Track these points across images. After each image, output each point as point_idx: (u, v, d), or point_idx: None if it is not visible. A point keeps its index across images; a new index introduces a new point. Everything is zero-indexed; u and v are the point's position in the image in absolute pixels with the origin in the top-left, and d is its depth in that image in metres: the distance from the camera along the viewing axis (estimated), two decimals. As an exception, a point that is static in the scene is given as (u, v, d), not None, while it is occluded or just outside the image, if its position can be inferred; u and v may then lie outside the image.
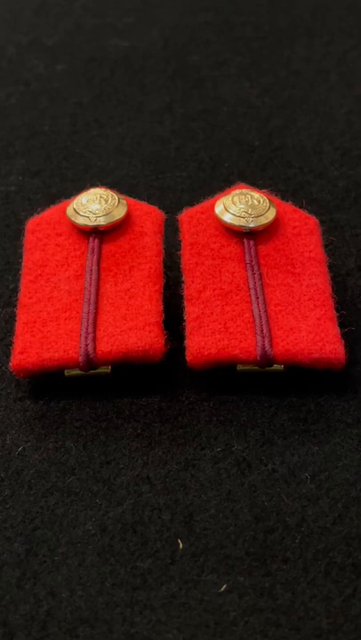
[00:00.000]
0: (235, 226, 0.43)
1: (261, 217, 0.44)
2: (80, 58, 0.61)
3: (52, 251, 0.44)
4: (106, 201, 0.44)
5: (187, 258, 0.43)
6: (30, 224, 0.45)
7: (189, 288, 0.42)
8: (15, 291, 0.44)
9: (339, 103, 0.57)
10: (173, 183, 0.52)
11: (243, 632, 0.33)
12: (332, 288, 0.42)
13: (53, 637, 0.33)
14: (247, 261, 0.43)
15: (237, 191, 0.45)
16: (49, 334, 0.40)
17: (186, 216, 0.45)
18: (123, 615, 0.34)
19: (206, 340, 0.40)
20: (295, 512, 0.37)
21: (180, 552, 0.36)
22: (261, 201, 0.44)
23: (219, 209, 0.44)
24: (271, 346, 0.40)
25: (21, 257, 0.44)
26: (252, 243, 0.43)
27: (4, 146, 0.55)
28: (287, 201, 0.46)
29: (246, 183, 0.47)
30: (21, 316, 0.41)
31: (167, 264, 0.44)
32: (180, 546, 0.36)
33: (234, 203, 0.44)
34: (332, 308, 0.41)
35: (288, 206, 0.45)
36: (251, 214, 0.44)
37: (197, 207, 0.45)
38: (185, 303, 0.42)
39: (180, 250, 0.44)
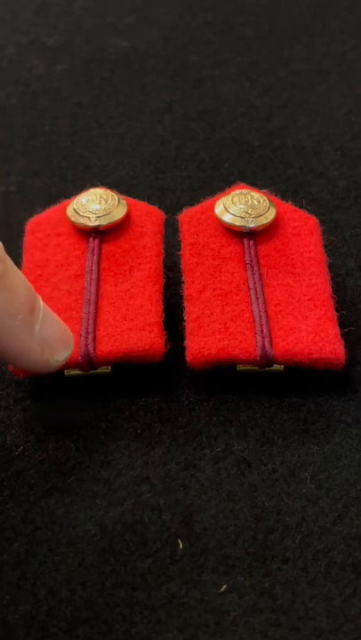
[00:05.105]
0: (235, 226, 0.43)
1: (261, 217, 0.44)
2: (80, 58, 0.61)
3: (52, 251, 0.44)
4: (106, 201, 0.44)
5: (187, 258, 0.43)
6: (30, 224, 0.45)
7: (189, 288, 0.42)
8: (15, 291, 0.44)
9: (339, 103, 0.57)
10: (173, 183, 0.52)
11: (243, 632, 0.33)
12: (332, 288, 0.42)
13: (53, 637, 0.33)
14: (247, 261, 0.43)
15: (237, 191, 0.45)
16: (49, 334, 0.40)
17: (186, 216, 0.45)
18: (123, 615, 0.34)
19: (206, 340, 0.40)
20: (295, 512, 0.37)
21: (180, 552, 0.36)
22: (261, 201, 0.44)
23: (219, 209, 0.44)
24: (271, 346, 0.40)
25: (21, 257, 0.44)
26: (252, 243, 0.43)
27: (4, 146, 0.55)
28: (287, 201, 0.46)
29: (246, 183, 0.47)
30: (21, 316, 0.41)
31: (167, 264, 0.44)
32: (180, 546, 0.36)
33: (234, 203, 0.44)
34: (332, 307, 0.41)
35: (288, 206, 0.45)
36: (251, 214, 0.44)
37: (197, 207, 0.45)
38: (185, 303, 0.42)
39: (180, 250, 0.44)
